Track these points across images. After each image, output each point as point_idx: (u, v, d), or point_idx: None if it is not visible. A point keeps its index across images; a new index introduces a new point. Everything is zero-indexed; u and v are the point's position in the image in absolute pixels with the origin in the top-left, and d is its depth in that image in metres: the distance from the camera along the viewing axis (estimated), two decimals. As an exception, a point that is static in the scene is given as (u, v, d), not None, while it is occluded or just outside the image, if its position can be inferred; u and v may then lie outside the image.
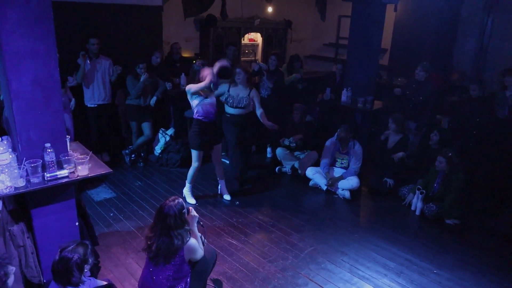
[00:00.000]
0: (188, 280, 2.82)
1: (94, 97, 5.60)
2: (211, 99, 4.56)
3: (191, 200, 4.90)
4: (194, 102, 4.50)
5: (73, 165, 2.87)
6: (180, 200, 2.81)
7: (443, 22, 6.91)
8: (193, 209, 2.94)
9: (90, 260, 2.44)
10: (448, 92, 6.14)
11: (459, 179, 4.65)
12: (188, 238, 2.77)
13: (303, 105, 6.09)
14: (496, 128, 5.23)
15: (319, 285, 3.51)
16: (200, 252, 2.86)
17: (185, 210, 2.81)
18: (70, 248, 2.36)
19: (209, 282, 3.34)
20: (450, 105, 5.99)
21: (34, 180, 2.69)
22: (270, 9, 8.65)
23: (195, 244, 2.82)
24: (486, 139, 5.38)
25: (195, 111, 4.55)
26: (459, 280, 3.64)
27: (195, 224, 2.94)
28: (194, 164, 4.77)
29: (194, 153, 4.72)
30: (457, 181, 4.65)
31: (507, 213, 4.52)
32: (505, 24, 6.35)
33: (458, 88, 6.08)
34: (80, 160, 2.87)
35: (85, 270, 2.41)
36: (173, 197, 2.82)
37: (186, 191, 4.94)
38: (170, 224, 2.69)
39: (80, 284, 2.39)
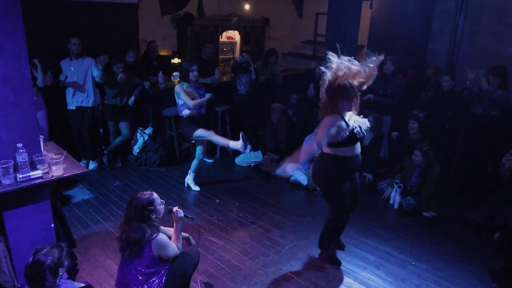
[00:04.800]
0: (164, 278, 2.77)
1: (73, 99, 5.43)
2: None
3: (196, 188, 5.21)
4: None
5: (47, 165, 2.80)
6: (152, 197, 2.74)
7: (417, 18, 7.02)
8: (177, 209, 2.90)
9: (65, 263, 2.35)
10: (424, 87, 6.24)
11: (435, 172, 4.74)
12: (154, 234, 2.70)
13: (281, 105, 6.04)
14: (469, 123, 5.31)
15: (301, 280, 3.52)
16: (172, 249, 2.80)
17: (158, 207, 2.76)
18: (44, 251, 2.28)
19: (201, 285, 3.33)
20: (426, 100, 6.08)
21: (6, 181, 2.61)
22: (247, 7, 8.63)
23: (164, 240, 2.75)
24: (459, 133, 5.48)
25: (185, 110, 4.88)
26: (436, 271, 3.71)
27: (180, 223, 2.91)
28: (200, 156, 5.10)
29: (198, 134, 4.89)
30: (433, 174, 4.74)
31: (483, 205, 4.63)
32: (476, 21, 6.50)
33: (433, 83, 6.17)
34: (54, 160, 2.80)
35: (60, 274, 2.33)
36: (147, 191, 2.78)
37: (190, 180, 5.23)
38: (129, 214, 2.70)
39: (55, 288, 2.32)
